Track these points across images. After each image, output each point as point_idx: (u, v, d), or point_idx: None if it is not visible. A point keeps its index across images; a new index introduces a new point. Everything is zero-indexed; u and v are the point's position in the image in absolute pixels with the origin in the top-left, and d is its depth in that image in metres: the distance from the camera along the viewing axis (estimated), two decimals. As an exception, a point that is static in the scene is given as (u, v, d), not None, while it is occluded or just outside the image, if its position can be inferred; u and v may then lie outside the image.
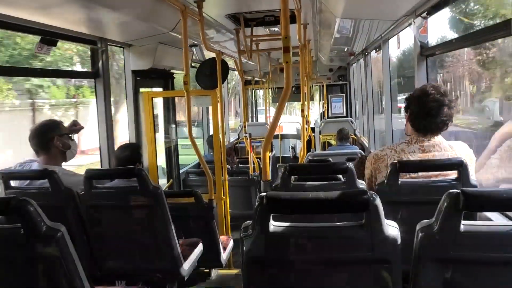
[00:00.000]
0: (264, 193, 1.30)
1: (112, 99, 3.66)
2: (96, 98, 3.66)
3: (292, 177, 2.30)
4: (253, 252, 1.33)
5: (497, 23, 2.10)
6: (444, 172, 2.02)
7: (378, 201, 1.26)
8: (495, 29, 2.14)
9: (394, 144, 2.19)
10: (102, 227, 2.39)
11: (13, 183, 2.38)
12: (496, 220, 2.12)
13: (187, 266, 2.50)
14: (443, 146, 2.07)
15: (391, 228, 1.29)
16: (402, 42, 3.99)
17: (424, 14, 2.97)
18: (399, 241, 1.28)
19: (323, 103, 9.74)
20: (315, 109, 11.57)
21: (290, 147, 9.90)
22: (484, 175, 2.18)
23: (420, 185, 1.97)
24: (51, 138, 2.49)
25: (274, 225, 1.32)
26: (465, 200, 1.18)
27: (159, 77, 4.83)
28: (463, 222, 1.22)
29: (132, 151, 2.86)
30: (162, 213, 2.31)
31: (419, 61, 3.26)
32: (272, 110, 9.35)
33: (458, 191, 1.20)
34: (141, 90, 4.27)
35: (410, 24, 3.17)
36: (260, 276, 1.36)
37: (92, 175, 2.32)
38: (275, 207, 1.30)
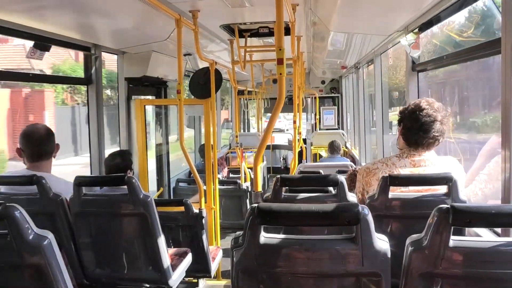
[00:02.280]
0: (256, 204, 1.29)
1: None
2: (88, 104, 3.64)
3: (283, 189, 2.30)
4: (243, 264, 1.32)
5: (487, 41, 2.14)
6: (434, 187, 2.03)
7: (369, 215, 1.27)
8: (485, 46, 2.18)
9: (386, 157, 2.20)
10: (90, 234, 2.36)
11: (1, 189, 2.35)
12: (483, 235, 2.14)
13: (175, 276, 2.47)
14: (434, 161, 2.09)
15: (382, 242, 1.29)
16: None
17: (416, 30, 3.03)
18: (389, 255, 1.29)
19: (315, 114, 9.81)
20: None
21: (282, 158, 9.91)
22: (473, 191, 2.20)
23: (410, 199, 1.98)
24: (56, 147, 2.42)
25: (265, 237, 1.31)
26: (454, 215, 1.19)
27: (152, 85, 4.83)
28: (452, 237, 1.23)
29: (123, 158, 2.82)
30: (152, 222, 2.29)
31: (410, 76, 3.30)
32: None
33: (448, 206, 1.21)
34: (134, 97, 4.27)
35: (402, 40, 3.22)
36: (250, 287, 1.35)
37: (81, 182, 2.30)
38: (267, 218, 1.29)
